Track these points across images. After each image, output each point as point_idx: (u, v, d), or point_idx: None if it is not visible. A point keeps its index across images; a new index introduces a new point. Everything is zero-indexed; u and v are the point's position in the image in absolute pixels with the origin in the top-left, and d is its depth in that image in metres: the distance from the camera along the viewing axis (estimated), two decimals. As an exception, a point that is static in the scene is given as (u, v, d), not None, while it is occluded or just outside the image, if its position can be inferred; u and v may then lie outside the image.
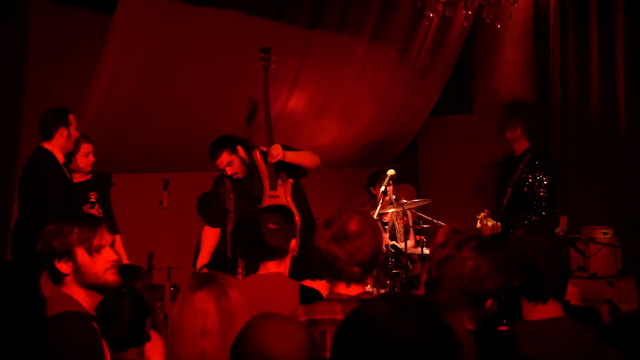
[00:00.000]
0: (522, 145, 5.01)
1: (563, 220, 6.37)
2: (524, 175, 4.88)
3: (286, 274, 2.97)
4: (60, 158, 4.26)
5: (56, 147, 4.23)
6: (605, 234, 6.01)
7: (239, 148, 4.66)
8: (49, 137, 4.22)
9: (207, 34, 5.23)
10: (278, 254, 2.92)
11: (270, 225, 2.92)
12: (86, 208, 4.40)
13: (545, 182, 4.83)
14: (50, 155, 4.20)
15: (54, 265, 2.26)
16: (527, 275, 2.31)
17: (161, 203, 5.12)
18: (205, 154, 5.94)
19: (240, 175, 4.64)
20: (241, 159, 4.65)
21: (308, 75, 6.13)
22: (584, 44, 6.71)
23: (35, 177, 4.16)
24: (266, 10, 5.48)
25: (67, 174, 4.34)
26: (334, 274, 2.35)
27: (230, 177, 4.70)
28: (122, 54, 4.76)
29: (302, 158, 4.74)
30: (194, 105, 5.49)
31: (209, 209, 4.85)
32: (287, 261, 2.98)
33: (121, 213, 4.88)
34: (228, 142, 4.66)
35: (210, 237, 4.77)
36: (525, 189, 4.85)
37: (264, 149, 4.67)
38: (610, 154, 6.57)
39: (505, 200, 4.98)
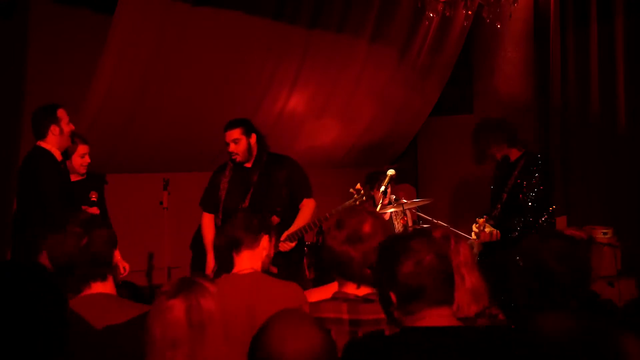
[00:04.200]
0: (514, 153, 4.97)
1: (563, 220, 6.37)
2: (518, 181, 4.85)
3: None
4: (58, 155, 4.21)
5: (51, 144, 4.18)
6: (605, 234, 6.01)
7: (253, 135, 4.68)
8: (42, 136, 4.16)
9: (207, 34, 5.23)
10: None
11: None
12: (86, 207, 4.38)
13: (538, 189, 4.79)
14: (47, 153, 4.15)
15: None
16: (542, 281, 2.32)
17: (161, 203, 5.13)
18: (205, 153, 5.96)
19: (239, 159, 4.63)
20: (249, 144, 4.66)
21: (308, 75, 6.13)
22: (584, 44, 6.70)
23: (32, 176, 4.13)
24: (266, 10, 5.48)
25: (65, 172, 4.31)
26: (347, 275, 2.35)
27: (230, 160, 4.68)
28: (122, 54, 4.76)
29: (303, 223, 4.71)
30: (194, 105, 5.50)
31: (205, 192, 4.85)
32: None
33: (121, 213, 4.88)
34: (247, 123, 4.68)
35: (208, 227, 4.76)
36: (520, 195, 4.83)
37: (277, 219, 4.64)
38: (610, 154, 6.56)
39: (499, 206, 4.96)
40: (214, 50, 5.36)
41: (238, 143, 4.62)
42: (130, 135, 5.28)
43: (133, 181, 5.53)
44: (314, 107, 6.43)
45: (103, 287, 2.41)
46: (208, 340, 1.92)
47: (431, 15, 4.91)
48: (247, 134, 4.64)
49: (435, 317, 1.91)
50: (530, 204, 4.78)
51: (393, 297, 1.92)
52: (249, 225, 2.91)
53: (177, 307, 1.95)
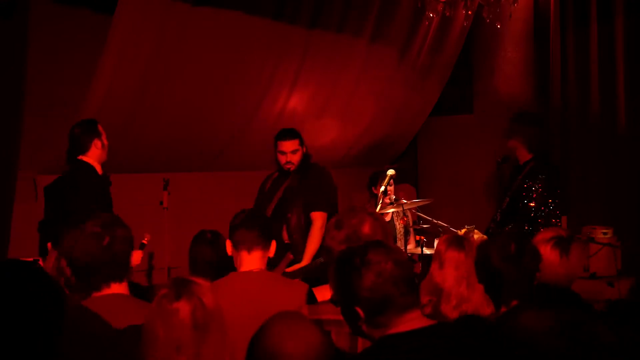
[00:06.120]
0: (524, 155, 4.95)
1: (563, 220, 6.37)
2: (524, 186, 4.83)
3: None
4: (99, 169, 4.23)
5: (93, 158, 4.20)
6: (605, 234, 6.00)
7: (305, 146, 4.75)
8: (84, 150, 4.18)
9: (207, 34, 5.23)
10: None
11: None
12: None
13: (542, 194, 4.76)
14: (89, 167, 4.17)
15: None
16: (488, 278, 2.48)
17: (161, 203, 5.12)
18: (205, 153, 5.96)
19: (292, 168, 4.67)
20: (303, 155, 4.72)
21: (308, 75, 6.13)
22: (584, 44, 6.71)
23: (71, 189, 4.10)
24: (266, 10, 5.48)
25: (105, 185, 4.27)
26: None
27: (282, 169, 4.71)
28: (122, 54, 4.76)
29: (314, 248, 4.63)
30: (194, 105, 5.49)
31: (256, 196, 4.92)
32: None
33: (121, 213, 4.86)
34: (300, 135, 4.75)
35: None
36: (520, 203, 4.81)
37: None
38: (610, 154, 6.57)
39: (500, 210, 4.94)
40: (214, 50, 5.36)
41: (296, 153, 4.68)
42: (130, 135, 5.28)
43: (133, 181, 5.52)
44: (314, 107, 6.43)
45: (119, 288, 2.43)
46: (211, 340, 1.91)
47: (431, 15, 4.91)
48: (302, 145, 4.72)
49: (407, 323, 1.89)
50: (530, 212, 4.73)
51: (360, 311, 1.90)
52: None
53: (183, 310, 1.91)
